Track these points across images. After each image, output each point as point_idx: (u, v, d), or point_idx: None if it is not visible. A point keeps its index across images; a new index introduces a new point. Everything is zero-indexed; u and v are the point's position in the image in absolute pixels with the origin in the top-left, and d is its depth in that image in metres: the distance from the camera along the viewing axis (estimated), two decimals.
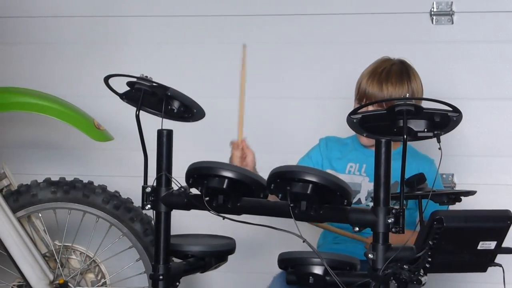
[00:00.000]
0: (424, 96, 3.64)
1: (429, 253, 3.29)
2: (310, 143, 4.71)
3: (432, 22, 5.31)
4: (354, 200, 4.26)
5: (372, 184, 4.03)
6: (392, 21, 5.34)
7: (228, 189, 3.62)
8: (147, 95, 3.86)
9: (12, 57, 5.96)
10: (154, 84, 3.80)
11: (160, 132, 3.82)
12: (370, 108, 4.20)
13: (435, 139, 3.41)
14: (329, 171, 4.34)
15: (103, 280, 5.01)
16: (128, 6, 5.83)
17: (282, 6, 5.71)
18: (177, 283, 4.17)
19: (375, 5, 5.41)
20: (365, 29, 5.31)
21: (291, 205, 3.44)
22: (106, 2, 5.92)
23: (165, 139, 3.84)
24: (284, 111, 5.46)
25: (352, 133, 4.43)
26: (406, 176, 3.56)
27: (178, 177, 3.74)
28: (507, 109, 5.15)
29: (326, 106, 5.35)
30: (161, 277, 3.84)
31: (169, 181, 3.81)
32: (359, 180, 4.50)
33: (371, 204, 3.79)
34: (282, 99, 5.53)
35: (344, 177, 4.34)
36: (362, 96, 4.53)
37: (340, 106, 4.93)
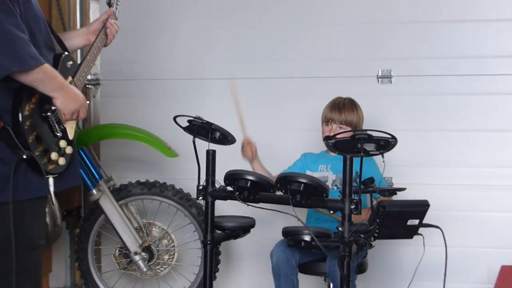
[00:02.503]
0: (370, 128, 3.63)
1: (377, 227, 3.41)
2: (294, 157, 4.75)
3: (378, 82, 5.26)
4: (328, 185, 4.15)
5: (334, 175, 4.39)
6: (353, 80, 5.22)
7: (250, 187, 3.71)
8: (200, 128, 3.95)
9: (116, 103, 5.85)
10: (203, 121, 3.91)
11: (207, 151, 3.94)
12: (335, 127, 4.48)
13: (380, 156, 3.54)
14: (308, 172, 4.48)
15: (172, 244, 5.10)
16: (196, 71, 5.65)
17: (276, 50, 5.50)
18: (219, 246, 4.48)
19: (343, 70, 5.28)
20: (335, 87, 5.02)
21: (290, 197, 3.57)
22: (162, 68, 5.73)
23: (210, 156, 3.94)
24: (279, 139, 5.33)
25: (320, 149, 4.66)
26: (365, 176, 3.71)
27: (219, 179, 3.84)
28: (424, 136, 5.16)
29: (304, 135, 5.24)
30: (208, 242, 3.94)
31: (213, 182, 3.91)
32: (327, 174, 4.50)
33: (334, 187, 4.24)
34: (280, 130, 5.39)
35: (317, 174, 4.49)
36: (328, 120, 4.56)
37: (311, 135, 5.01)
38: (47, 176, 3.30)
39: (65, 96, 3.32)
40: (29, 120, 3.18)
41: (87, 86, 5.80)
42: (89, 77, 5.77)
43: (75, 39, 3.90)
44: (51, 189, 3.34)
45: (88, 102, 3.82)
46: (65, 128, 3.42)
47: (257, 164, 4.58)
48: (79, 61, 3.77)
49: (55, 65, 3.41)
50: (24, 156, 3.14)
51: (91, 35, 3.93)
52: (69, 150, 3.42)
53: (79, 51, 5.53)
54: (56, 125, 3.35)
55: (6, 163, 3.16)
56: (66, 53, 3.57)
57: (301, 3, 5.45)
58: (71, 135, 3.47)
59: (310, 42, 5.44)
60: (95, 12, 5.78)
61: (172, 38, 5.73)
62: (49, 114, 3.30)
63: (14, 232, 3.20)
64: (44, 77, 3.15)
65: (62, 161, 3.37)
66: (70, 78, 3.53)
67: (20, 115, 3.15)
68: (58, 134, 3.37)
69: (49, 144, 3.31)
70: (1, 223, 3.20)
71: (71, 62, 3.55)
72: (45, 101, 3.28)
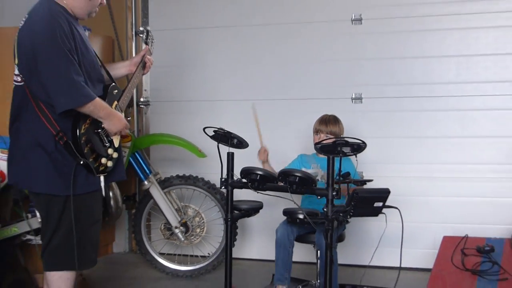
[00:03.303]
0: (347, 136, 3.60)
1: (352, 208, 3.37)
2: (292, 157, 4.68)
3: (352, 102, 5.23)
4: (317, 179, 4.07)
5: (323, 172, 4.20)
6: (334, 101, 5.20)
7: (259, 179, 3.69)
8: (222, 136, 3.91)
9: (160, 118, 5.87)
10: (225, 131, 3.88)
11: (228, 153, 3.88)
12: (323, 136, 4.41)
13: (354, 156, 3.57)
14: (303, 169, 4.24)
15: (202, 221, 5.07)
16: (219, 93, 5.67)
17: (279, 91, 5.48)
18: (236, 222, 4.46)
19: (327, 94, 5.25)
20: (321, 106, 5.00)
21: (289, 186, 3.57)
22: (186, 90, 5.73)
23: (230, 157, 3.89)
24: (282, 144, 5.16)
25: (312, 152, 4.57)
26: (342, 171, 3.70)
27: (236, 173, 3.81)
28: (386, 142, 5.13)
29: (299, 141, 5.16)
30: (229, 220, 3.88)
31: (232, 175, 3.85)
32: (317, 171, 4.21)
33: (322, 180, 4.04)
34: (282, 137, 5.28)
35: (310, 170, 4.25)
36: (317, 130, 4.53)
37: (304, 141, 4.98)
38: (98, 175, 3.37)
39: (111, 121, 3.40)
40: (84, 136, 3.27)
41: (140, 105, 5.81)
42: (141, 99, 5.81)
43: (120, 69, 3.90)
44: (102, 184, 3.41)
45: (128, 119, 3.86)
46: (112, 139, 3.48)
47: (267, 164, 4.54)
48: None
49: (104, 94, 3.49)
50: (81, 162, 3.25)
51: (133, 66, 3.91)
52: (115, 155, 3.48)
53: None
54: (105, 138, 3.42)
55: (69, 167, 3.24)
56: (113, 84, 3.60)
57: (299, 47, 5.39)
58: (116, 144, 3.53)
59: (304, 74, 5.41)
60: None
61: (202, 69, 5.69)
62: (99, 130, 3.39)
63: (80, 214, 3.33)
64: (94, 109, 3.25)
65: (110, 163, 3.44)
66: (115, 103, 3.57)
67: (78, 133, 3.24)
68: (107, 144, 3.43)
69: (100, 152, 3.37)
70: (69, 209, 3.28)
71: (116, 90, 3.58)
72: (97, 121, 3.37)
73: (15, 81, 3.31)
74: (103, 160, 3.38)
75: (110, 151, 3.44)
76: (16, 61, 3.24)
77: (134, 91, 5.57)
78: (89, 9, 3.44)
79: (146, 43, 4.16)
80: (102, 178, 3.42)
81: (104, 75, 3.62)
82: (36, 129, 3.25)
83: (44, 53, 3.10)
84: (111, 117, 3.40)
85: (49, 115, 3.21)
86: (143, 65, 3.95)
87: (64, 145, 3.22)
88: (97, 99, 3.26)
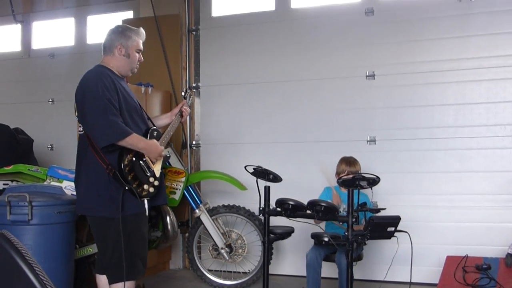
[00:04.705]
0: (364, 172, 3.58)
1: (368, 232, 3.39)
2: (317, 188, 4.64)
3: (367, 144, 5.19)
4: (340, 209, 4.22)
5: (344, 204, 4.15)
6: (351, 143, 5.16)
7: (291, 208, 3.71)
8: (260, 172, 3.92)
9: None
10: (262, 168, 3.90)
11: (265, 187, 3.90)
12: (344, 176, 4.26)
13: (370, 188, 3.59)
14: (329, 200, 4.30)
15: (244, 243, 4.99)
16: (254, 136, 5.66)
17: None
18: (272, 244, 4.43)
19: (344, 137, 5.22)
20: (340, 148, 5.04)
21: (316, 214, 3.59)
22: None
23: (267, 189, 3.90)
24: (308, 178, 5.15)
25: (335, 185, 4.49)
26: (360, 201, 3.63)
27: (271, 203, 3.83)
28: (397, 177, 5.05)
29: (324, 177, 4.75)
30: (266, 242, 3.91)
31: (269, 205, 3.88)
32: (340, 202, 4.36)
33: (344, 212, 4.01)
34: (308, 173, 5.19)
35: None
36: (341, 171, 4.52)
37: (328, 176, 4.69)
38: (142, 199, 3.44)
39: (149, 151, 3.51)
40: (127, 167, 3.39)
41: (193, 147, 5.82)
42: (194, 142, 5.81)
43: (163, 120, 4.04)
44: (146, 207, 3.47)
45: (169, 156, 3.97)
46: (153, 170, 3.55)
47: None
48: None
49: (145, 134, 3.60)
50: (126, 188, 3.34)
51: (173, 116, 4.03)
52: (156, 183, 3.55)
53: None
54: (146, 168, 3.51)
55: (119, 194, 3.34)
56: (154, 127, 3.71)
57: (323, 98, 5.40)
58: (157, 173, 3.58)
59: (327, 121, 5.39)
60: (197, 104, 5.80)
61: (242, 117, 5.69)
62: (141, 162, 3.49)
63: (132, 232, 3.43)
64: (133, 142, 3.37)
65: (152, 189, 3.51)
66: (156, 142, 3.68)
67: (122, 165, 3.36)
68: (148, 174, 3.51)
69: (142, 180, 3.47)
70: (119, 228, 3.33)
71: (156, 133, 3.67)
72: (139, 153, 3.47)
73: (79, 131, 3.53)
74: (145, 186, 3.47)
75: (151, 179, 3.52)
76: (76, 114, 3.48)
77: (188, 135, 5.72)
78: (130, 67, 3.63)
79: (185, 98, 4.28)
80: (146, 201, 3.47)
81: (149, 124, 3.75)
82: (94, 166, 3.41)
83: (88, 102, 3.32)
84: (149, 147, 3.51)
85: (101, 153, 3.35)
86: (180, 114, 4.04)
87: (113, 175, 3.35)
88: (134, 134, 3.39)
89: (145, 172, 3.50)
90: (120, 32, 3.58)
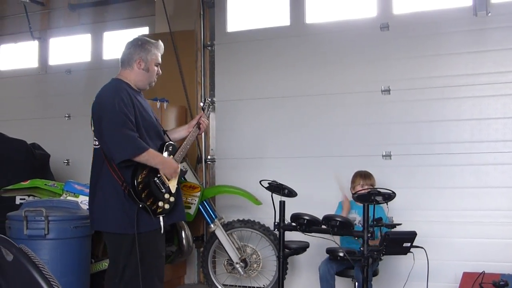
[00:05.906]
0: (379, 187, 3.60)
1: (384, 247, 3.44)
2: (333, 202, 4.68)
3: (383, 159, 5.17)
4: (355, 223, 4.22)
5: (360, 217, 4.15)
6: (366, 157, 5.15)
7: (306, 223, 3.75)
8: (275, 187, 3.98)
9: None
10: (277, 183, 3.96)
11: (280, 201, 3.95)
12: (359, 188, 4.38)
13: (386, 204, 3.61)
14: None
15: (259, 258, 5.01)
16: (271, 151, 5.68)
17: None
18: (287, 259, 4.48)
19: (359, 151, 5.21)
20: (355, 163, 5.01)
21: (331, 229, 3.62)
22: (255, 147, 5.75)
23: (282, 204, 3.94)
24: (324, 192, 5.05)
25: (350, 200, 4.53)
26: (376, 216, 3.69)
27: (286, 218, 3.85)
28: (412, 192, 5.00)
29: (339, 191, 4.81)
30: (281, 257, 3.94)
31: (284, 220, 3.92)
32: (355, 216, 4.42)
33: (359, 225, 4.02)
34: (324, 187, 5.12)
35: (350, 216, 4.42)
36: (355, 184, 4.54)
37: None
38: (157, 216, 3.42)
39: (164, 167, 3.47)
40: (141, 184, 3.35)
41: (208, 162, 5.83)
42: (209, 157, 5.83)
43: (180, 132, 3.98)
44: (161, 224, 3.44)
45: (185, 170, 3.96)
46: (168, 186, 3.50)
47: (345, 211, 4.52)
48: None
49: (161, 148, 3.58)
50: (140, 206, 3.31)
51: (190, 128, 3.95)
52: (172, 199, 3.50)
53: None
54: (161, 185, 3.47)
55: (133, 211, 3.31)
56: (169, 141, 3.69)
57: (339, 113, 5.39)
58: (173, 190, 3.53)
59: (343, 135, 5.38)
60: (212, 119, 5.80)
61: (257, 131, 5.72)
62: (156, 179, 3.45)
63: (146, 250, 3.39)
64: (149, 158, 3.35)
65: (167, 206, 3.47)
66: (171, 157, 3.64)
67: (135, 182, 3.34)
68: (163, 190, 3.47)
69: (157, 196, 3.44)
70: (131, 246, 3.33)
71: (171, 147, 3.65)
72: (154, 170, 3.44)
73: (94, 145, 3.50)
74: (160, 203, 3.43)
75: (166, 195, 3.49)
76: (92, 128, 3.46)
77: (203, 150, 5.74)
78: (149, 80, 3.62)
79: (203, 109, 4.19)
80: (161, 218, 3.45)
81: (165, 138, 3.73)
82: (109, 182, 3.39)
83: (105, 117, 3.30)
84: (164, 163, 3.48)
85: (116, 169, 3.34)
86: (198, 126, 3.97)
87: (128, 192, 3.33)
88: (151, 149, 3.38)
89: (160, 188, 3.48)
90: (140, 46, 3.58)
